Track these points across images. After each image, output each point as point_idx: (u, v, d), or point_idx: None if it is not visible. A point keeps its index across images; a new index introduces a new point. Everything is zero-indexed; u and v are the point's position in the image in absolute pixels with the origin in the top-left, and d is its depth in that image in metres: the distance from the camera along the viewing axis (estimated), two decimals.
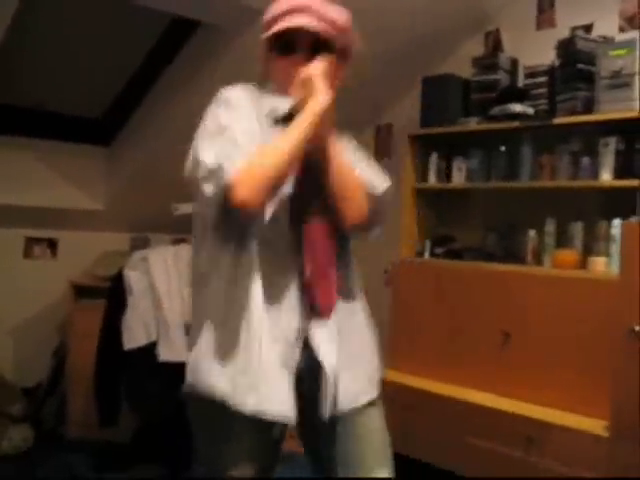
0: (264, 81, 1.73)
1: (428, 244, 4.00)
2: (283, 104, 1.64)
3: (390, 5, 3.70)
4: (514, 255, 3.73)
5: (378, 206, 1.72)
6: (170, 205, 3.83)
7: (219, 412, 1.56)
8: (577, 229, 3.49)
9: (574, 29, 3.72)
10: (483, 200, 4.06)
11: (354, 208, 1.66)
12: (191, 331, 1.68)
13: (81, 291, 4.37)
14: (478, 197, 4.07)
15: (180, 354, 3.42)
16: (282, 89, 1.66)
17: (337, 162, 1.63)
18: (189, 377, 1.63)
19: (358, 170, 1.69)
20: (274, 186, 1.51)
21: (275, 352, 1.56)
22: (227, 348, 1.56)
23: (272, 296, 1.58)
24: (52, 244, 4.70)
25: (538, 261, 3.60)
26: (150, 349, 3.47)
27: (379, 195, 1.72)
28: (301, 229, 1.63)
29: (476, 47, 4.18)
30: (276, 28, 1.62)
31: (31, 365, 4.50)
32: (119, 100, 4.46)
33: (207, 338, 1.60)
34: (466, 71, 3.99)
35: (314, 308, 1.62)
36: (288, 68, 1.65)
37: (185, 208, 4.01)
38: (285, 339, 1.58)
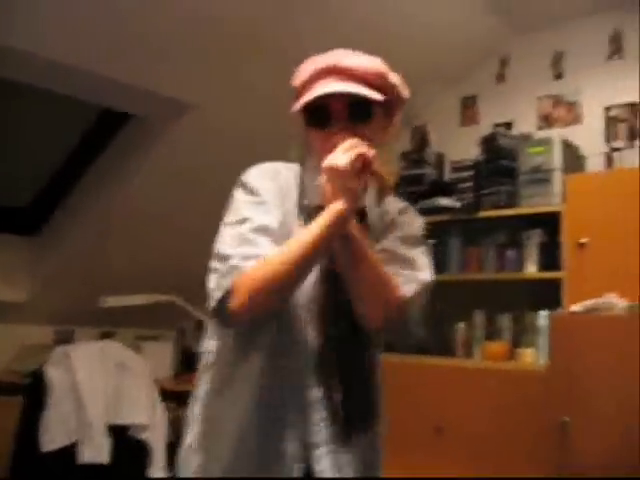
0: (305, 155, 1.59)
1: None
2: (313, 193, 1.46)
3: None
4: (445, 348, 3.73)
5: (399, 310, 1.44)
6: (97, 297, 3.73)
7: None
8: (505, 321, 3.53)
9: (496, 126, 3.86)
10: None
11: (372, 309, 1.43)
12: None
13: None
14: None
15: (102, 455, 3.27)
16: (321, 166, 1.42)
17: (358, 256, 1.41)
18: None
19: (390, 263, 1.47)
20: (276, 295, 1.37)
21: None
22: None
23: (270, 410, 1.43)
24: None
25: (468, 353, 3.61)
26: (70, 450, 3.30)
27: (402, 298, 1.44)
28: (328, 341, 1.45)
29: (404, 142, 4.29)
30: (303, 101, 1.42)
31: None
32: (46, 190, 4.38)
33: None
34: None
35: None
36: (325, 142, 1.43)
37: (114, 301, 3.91)
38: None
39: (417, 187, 3.89)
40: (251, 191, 1.49)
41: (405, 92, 1.58)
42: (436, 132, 4.22)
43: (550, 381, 2.88)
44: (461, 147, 3.97)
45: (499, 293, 3.60)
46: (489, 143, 3.66)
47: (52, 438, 3.30)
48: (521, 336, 3.47)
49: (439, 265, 3.70)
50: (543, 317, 3.25)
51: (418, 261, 1.54)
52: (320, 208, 1.38)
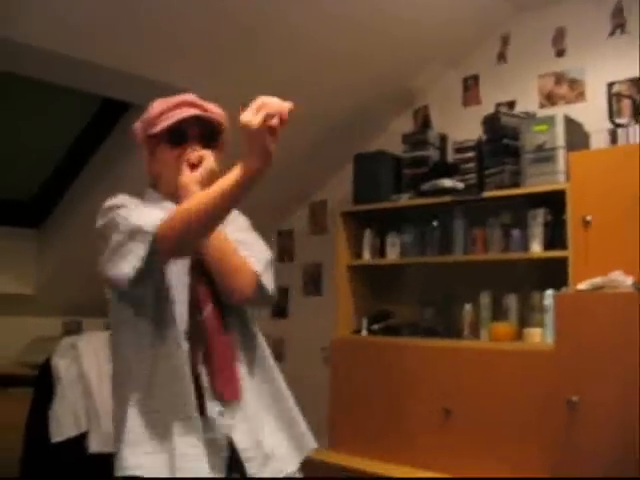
0: (152, 185, 1.84)
1: (365, 321, 3.97)
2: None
3: (321, 85, 3.77)
4: (451, 329, 3.73)
5: (259, 282, 1.74)
6: (104, 288, 3.72)
7: None
8: (512, 301, 3.52)
9: (498, 105, 3.83)
10: (418, 275, 4.07)
11: (236, 286, 1.71)
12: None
13: (7, 380, 4.18)
14: (413, 272, 4.09)
15: (111, 445, 3.28)
16: (173, 181, 1.74)
17: (215, 241, 1.68)
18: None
19: (240, 249, 1.75)
20: (191, 235, 1.54)
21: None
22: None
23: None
24: None
25: (475, 334, 3.60)
26: (80, 440, 3.32)
27: (259, 272, 1.75)
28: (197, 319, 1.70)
29: (406, 124, 4.27)
30: (172, 119, 1.73)
31: None
32: (49, 182, 4.38)
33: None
34: (397, 147, 4.06)
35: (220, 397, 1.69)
36: (180, 157, 1.75)
37: None
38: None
39: (420, 169, 3.87)
40: (116, 205, 1.68)
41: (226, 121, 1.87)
42: (438, 113, 4.19)
43: (557, 360, 2.87)
44: (464, 127, 3.94)
45: (505, 273, 3.59)
46: (492, 123, 3.63)
47: (61, 428, 3.32)
48: (528, 316, 3.45)
49: (444, 247, 3.71)
50: (549, 296, 3.23)
51: (258, 244, 1.85)
52: None
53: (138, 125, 1.83)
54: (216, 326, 1.72)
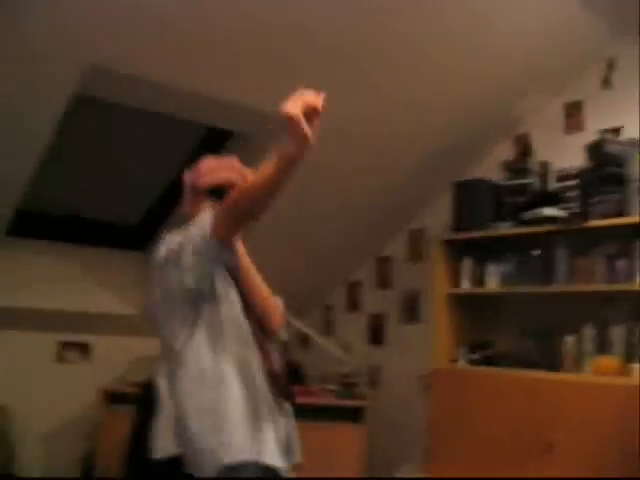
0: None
1: (464, 350, 3.92)
2: None
3: (421, 113, 3.78)
4: (553, 361, 3.63)
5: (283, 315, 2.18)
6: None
7: None
8: (617, 334, 3.40)
9: (603, 132, 3.74)
10: (518, 305, 3.99)
11: (276, 316, 2.15)
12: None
13: (113, 397, 4.34)
14: (513, 302, 4.01)
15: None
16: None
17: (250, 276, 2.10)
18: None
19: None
20: (253, 207, 1.87)
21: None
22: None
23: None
24: (85, 349, 4.70)
25: (577, 367, 3.48)
26: (180, 459, 3.38)
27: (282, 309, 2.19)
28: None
29: (506, 151, 4.22)
30: (214, 180, 2.14)
31: (60, 472, 4.43)
32: (155, 207, 4.55)
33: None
34: (497, 175, 4.02)
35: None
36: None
37: None
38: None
39: (521, 197, 3.81)
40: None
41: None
42: (539, 140, 4.11)
43: None
44: (566, 155, 3.86)
45: (610, 305, 3.47)
46: (596, 150, 3.54)
47: (162, 446, 3.39)
48: (634, 350, 3.32)
49: (545, 276, 3.63)
50: None
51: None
52: None
53: (189, 174, 2.21)
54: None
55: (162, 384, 3.54)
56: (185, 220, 2.23)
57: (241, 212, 1.87)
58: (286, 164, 1.71)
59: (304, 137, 1.67)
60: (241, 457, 1.88)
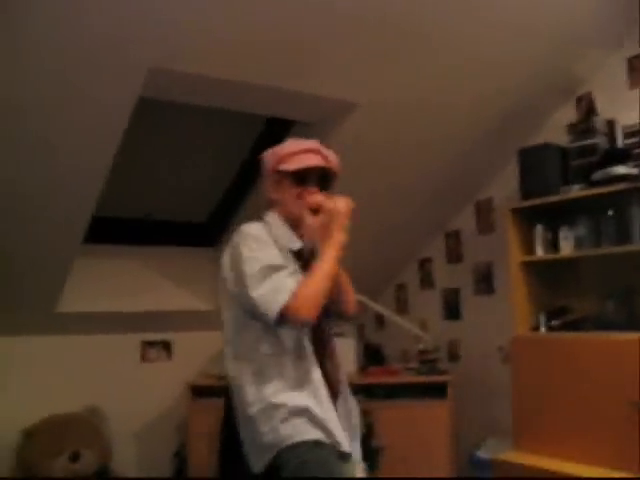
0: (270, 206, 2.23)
1: (543, 317, 3.88)
2: (294, 242, 2.16)
3: (483, 82, 3.75)
4: (634, 322, 3.56)
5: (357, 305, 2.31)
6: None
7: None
8: None
9: None
10: (595, 267, 3.92)
11: (351, 300, 2.24)
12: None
13: (198, 391, 4.45)
14: (589, 265, 3.94)
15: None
16: (292, 212, 2.15)
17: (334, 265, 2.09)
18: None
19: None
20: (317, 307, 1.97)
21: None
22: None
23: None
24: (166, 346, 4.82)
25: None
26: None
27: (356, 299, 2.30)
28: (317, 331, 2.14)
29: (569, 113, 4.14)
30: (301, 164, 2.12)
31: (154, 467, 4.57)
32: (222, 203, 4.63)
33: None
34: (562, 138, 3.94)
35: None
36: (300, 195, 2.14)
37: None
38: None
39: (589, 158, 3.73)
40: (257, 237, 2.08)
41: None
42: (603, 98, 4.02)
43: None
44: (632, 111, 3.75)
45: None
46: None
47: None
48: None
49: (621, 237, 3.56)
50: None
51: None
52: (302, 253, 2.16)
53: (269, 157, 2.20)
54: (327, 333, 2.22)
55: None
56: (263, 206, 2.28)
57: (312, 303, 1.98)
58: (339, 254, 2.03)
59: (345, 226, 2.06)
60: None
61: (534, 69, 3.85)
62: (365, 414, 3.90)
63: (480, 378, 4.65)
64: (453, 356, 4.88)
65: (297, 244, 2.16)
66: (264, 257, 2.01)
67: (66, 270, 4.02)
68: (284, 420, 2.00)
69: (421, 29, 3.30)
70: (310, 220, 2.11)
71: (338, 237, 2.03)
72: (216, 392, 3.99)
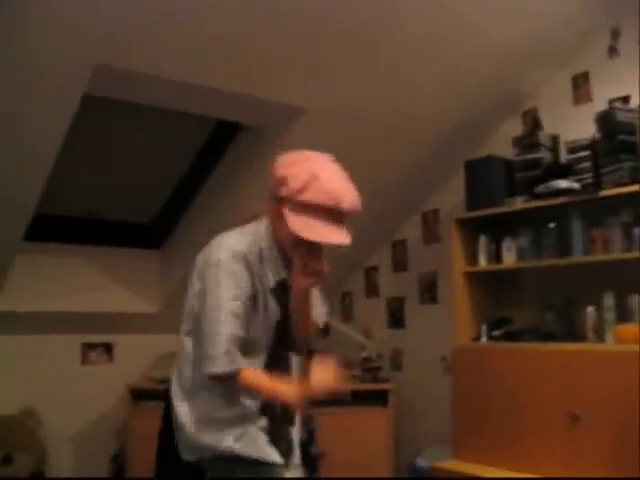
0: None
1: (484, 328, 3.93)
2: (276, 273, 2.04)
3: (430, 93, 3.79)
4: (574, 333, 3.63)
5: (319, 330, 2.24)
6: None
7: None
8: (636, 302, 3.39)
9: (611, 101, 3.73)
10: (537, 279, 3.99)
11: (308, 332, 2.17)
12: None
13: (139, 394, 4.39)
14: (531, 276, 4.01)
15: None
16: (285, 244, 1.99)
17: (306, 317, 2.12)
18: None
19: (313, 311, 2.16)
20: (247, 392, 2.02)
21: None
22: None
23: None
24: (108, 349, 4.75)
25: (600, 337, 3.49)
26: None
27: (320, 326, 2.23)
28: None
29: (515, 127, 4.21)
30: (319, 236, 1.93)
31: (91, 472, 4.49)
32: (169, 204, 4.59)
33: None
34: (507, 151, 4.01)
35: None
36: (302, 256, 1.99)
37: None
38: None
39: (533, 171, 3.80)
40: (231, 275, 1.95)
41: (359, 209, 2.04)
42: (548, 113, 4.10)
43: None
44: (576, 127, 3.84)
45: (628, 273, 3.46)
46: (606, 119, 3.53)
47: None
48: None
49: (562, 249, 3.63)
50: None
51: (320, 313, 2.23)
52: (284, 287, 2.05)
53: (289, 174, 1.92)
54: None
55: None
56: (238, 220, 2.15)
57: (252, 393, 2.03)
58: (284, 400, 1.97)
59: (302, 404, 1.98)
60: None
61: (481, 84, 3.91)
62: (307, 421, 3.90)
63: (422, 387, 4.69)
64: (396, 365, 4.91)
65: (276, 277, 2.04)
66: (227, 299, 1.93)
67: (7, 267, 3.94)
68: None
69: (372, 40, 3.33)
70: (300, 283, 2.03)
71: (291, 397, 1.93)
72: (157, 395, 3.94)
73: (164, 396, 3.70)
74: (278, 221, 1.98)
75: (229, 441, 2.02)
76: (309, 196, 1.88)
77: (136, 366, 4.70)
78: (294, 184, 1.90)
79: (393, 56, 3.47)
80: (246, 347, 1.97)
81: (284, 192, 1.92)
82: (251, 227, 2.07)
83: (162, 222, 4.66)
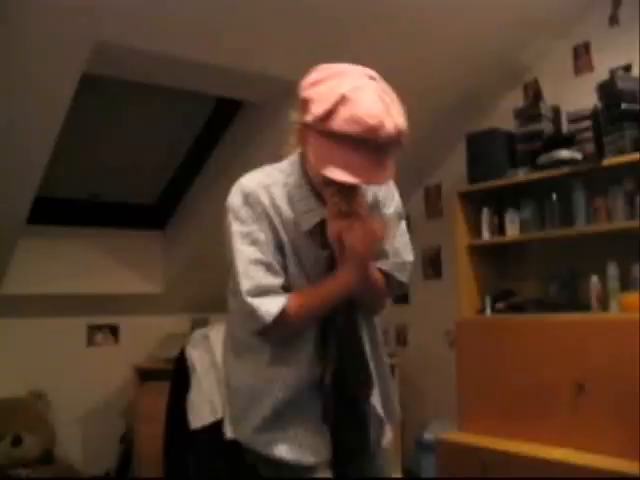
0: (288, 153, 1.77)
1: (488, 300, 3.93)
2: (309, 214, 1.71)
3: (430, 67, 3.77)
4: (578, 303, 3.64)
5: (401, 289, 1.91)
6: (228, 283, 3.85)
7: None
8: None
9: (613, 71, 3.71)
10: (540, 250, 3.99)
11: (378, 305, 1.90)
12: None
13: (145, 375, 4.41)
14: (534, 248, 4.01)
15: None
16: (315, 180, 1.68)
17: (370, 284, 1.78)
18: None
19: (389, 259, 1.83)
20: (303, 324, 1.74)
21: None
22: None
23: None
24: (114, 330, 4.76)
25: (604, 307, 3.49)
26: (217, 427, 3.43)
27: (403, 282, 1.87)
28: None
29: (516, 99, 4.19)
30: (338, 178, 1.55)
31: (99, 453, 4.52)
32: (171, 184, 4.58)
33: None
34: (509, 123, 3.99)
35: None
36: (334, 188, 1.63)
37: None
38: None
39: (534, 143, 3.79)
40: (242, 222, 1.70)
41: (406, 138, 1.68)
42: (549, 85, 4.08)
43: None
44: (577, 97, 3.82)
45: (631, 242, 3.46)
46: (608, 88, 3.51)
47: (199, 416, 3.45)
48: None
49: (565, 220, 3.62)
50: None
51: (402, 248, 1.88)
52: (321, 229, 1.71)
53: (306, 99, 1.59)
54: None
55: (194, 355, 3.60)
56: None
57: (301, 321, 1.72)
58: (342, 292, 1.71)
59: (364, 269, 1.71)
60: None
61: (482, 56, 3.89)
62: None
63: (427, 362, 4.70)
64: (402, 340, 4.92)
65: (311, 220, 1.71)
66: (241, 247, 1.68)
67: (9, 251, 3.94)
68: None
69: (371, 14, 3.31)
70: (336, 227, 1.66)
71: (346, 278, 1.69)
72: (163, 375, 3.97)
73: (172, 374, 3.74)
74: (303, 147, 1.66)
75: (281, 451, 1.75)
76: (335, 124, 1.52)
77: (142, 347, 4.71)
78: (318, 108, 1.54)
79: (392, 29, 3.45)
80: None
81: (309, 118, 1.57)
82: (284, 162, 1.78)
83: (164, 203, 4.66)
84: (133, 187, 4.51)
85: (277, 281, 1.69)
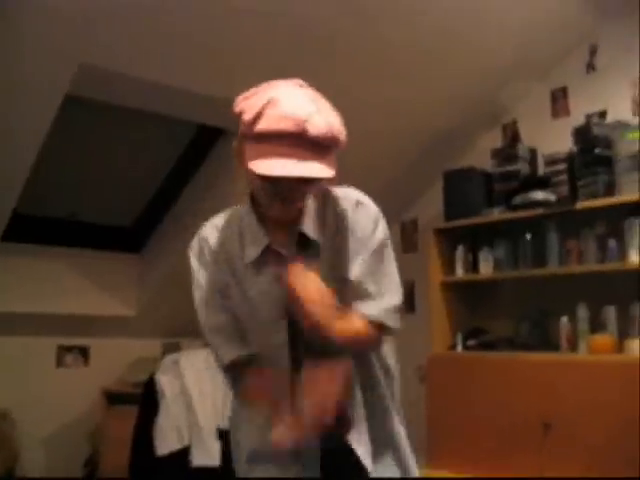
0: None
1: (460, 337, 3.96)
2: (255, 244, 1.63)
3: (410, 105, 3.82)
4: (548, 343, 3.68)
5: (387, 332, 1.73)
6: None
7: None
8: (610, 313, 3.44)
9: (589, 116, 3.79)
10: (512, 289, 4.04)
11: (360, 350, 1.71)
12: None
13: (113, 398, 4.37)
14: (507, 286, 4.05)
15: (214, 458, 3.37)
16: (248, 170, 1.50)
17: (338, 337, 1.59)
18: None
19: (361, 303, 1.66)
20: None
21: None
22: None
23: None
24: (84, 352, 4.71)
25: (573, 348, 3.53)
26: (183, 454, 3.42)
27: (389, 326, 1.71)
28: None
29: (495, 139, 4.27)
30: (264, 172, 1.46)
31: (63, 475, 4.44)
32: (149, 208, 4.57)
33: None
34: (486, 163, 4.06)
35: None
36: (273, 195, 1.55)
37: None
38: None
39: (510, 183, 3.86)
40: (193, 266, 1.74)
41: (344, 140, 1.60)
42: (527, 126, 4.16)
43: None
44: (554, 140, 3.90)
45: (602, 285, 3.52)
46: (583, 133, 3.60)
47: (166, 442, 3.44)
48: (628, 327, 3.37)
49: (538, 260, 3.67)
50: None
51: (384, 288, 1.73)
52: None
53: (238, 112, 1.54)
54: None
55: (164, 381, 3.59)
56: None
57: None
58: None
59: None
60: None
61: (463, 98, 3.96)
62: None
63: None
64: None
65: (256, 250, 1.63)
66: (198, 292, 1.72)
67: None
68: None
69: (351, 49, 3.37)
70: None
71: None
72: (131, 399, 3.95)
73: (140, 400, 3.72)
74: (244, 166, 1.52)
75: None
76: (264, 124, 1.47)
77: (111, 370, 4.66)
78: (248, 115, 1.49)
79: (372, 67, 3.51)
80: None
81: (241, 128, 1.52)
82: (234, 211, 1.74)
83: (142, 226, 4.64)
84: (110, 208, 4.50)
85: (221, 318, 1.70)
